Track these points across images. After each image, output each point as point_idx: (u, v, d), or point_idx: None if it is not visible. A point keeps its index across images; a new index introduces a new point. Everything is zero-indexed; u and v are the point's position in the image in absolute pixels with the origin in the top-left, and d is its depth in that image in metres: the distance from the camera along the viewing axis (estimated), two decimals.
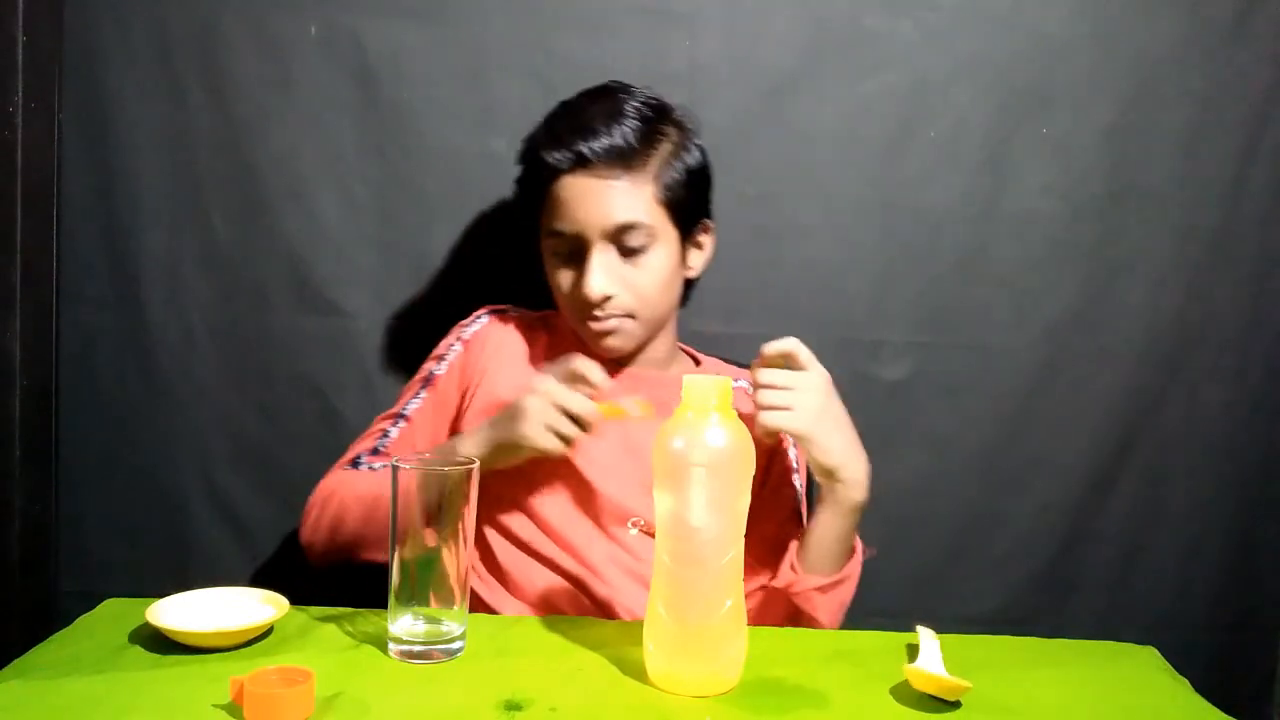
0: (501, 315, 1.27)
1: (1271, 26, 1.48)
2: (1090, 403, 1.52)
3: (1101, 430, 1.53)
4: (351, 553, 1.15)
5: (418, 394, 1.24)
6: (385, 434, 1.22)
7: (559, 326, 1.27)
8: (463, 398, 1.22)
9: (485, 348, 1.23)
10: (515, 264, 1.30)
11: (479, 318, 1.27)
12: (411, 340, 1.30)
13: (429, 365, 1.25)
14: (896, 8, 1.46)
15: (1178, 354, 1.52)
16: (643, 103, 1.18)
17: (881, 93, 1.47)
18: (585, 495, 1.15)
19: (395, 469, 0.88)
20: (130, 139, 1.42)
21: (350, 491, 1.15)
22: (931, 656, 0.88)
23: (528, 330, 1.26)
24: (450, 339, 1.26)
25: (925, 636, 0.93)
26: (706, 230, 1.25)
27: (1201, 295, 1.52)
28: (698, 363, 1.32)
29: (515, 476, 1.13)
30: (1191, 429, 1.54)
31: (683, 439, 0.84)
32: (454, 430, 1.22)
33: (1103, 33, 1.47)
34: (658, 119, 1.18)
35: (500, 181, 1.30)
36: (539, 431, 1.03)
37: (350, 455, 1.22)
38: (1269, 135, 1.50)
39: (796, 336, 1.44)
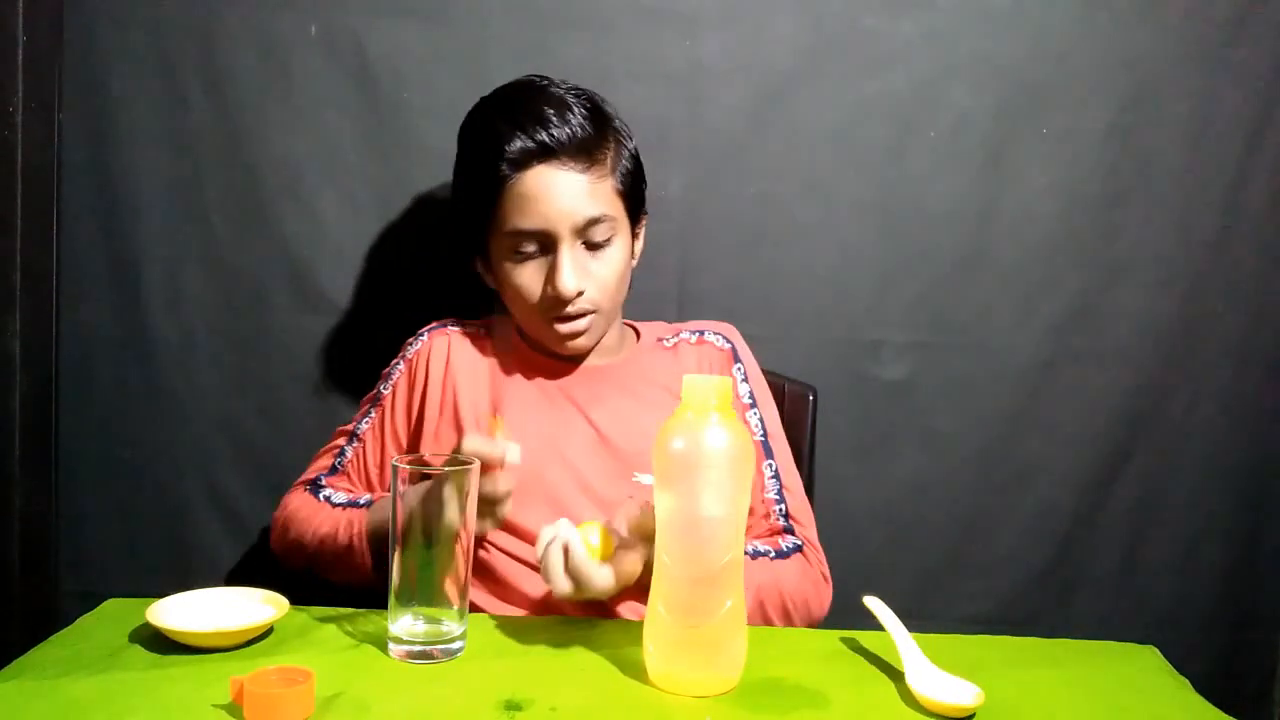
0: (441, 330, 1.26)
1: (1271, 26, 1.48)
2: (1090, 402, 1.52)
3: (1101, 430, 1.53)
4: (312, 572, 1.17)
5: (368, 414, 1.25)
6: (341, 452, 1.24)
7: (501, 331, 1.27)
8: (413, 415, 1.23)
9: (429, 364, 1.23)
10: None
11: (420, 335, 1.26)
12: None
13: (378, 385, 1.26)
14: (896, 8, 1.46)
15: (1178, 354, 1.53)
16: (579, 94, 1.16)
17: (881, 93, 1.47)
18: (570, 500, 1.14)
19: (395, 469, 0.88)
20: (130, 139, 1.42)
21: (308, 525, 1.16)
22: (917, 661, 0.88)
23: (471, 339, 1.25)
24: (397, 358, 1.27)
25: (888, 622, 0.93)
26: (644, 221, 1.25)
27: (1201, 295, 1.52)
28: (638, 334, 1.30)
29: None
30: (1191, 429, 1.54)
31: (682, 439, 0.84)
32: (412, 443, 1.22)
33: (1103, 33, 1.47)
34: (598, 108, 1.16)
35: None
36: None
37: (311, 473, 1.24)
38: (1269, 135, 1.50)
39: (796, 336, 1.45)
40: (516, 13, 1.43)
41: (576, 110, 1.13)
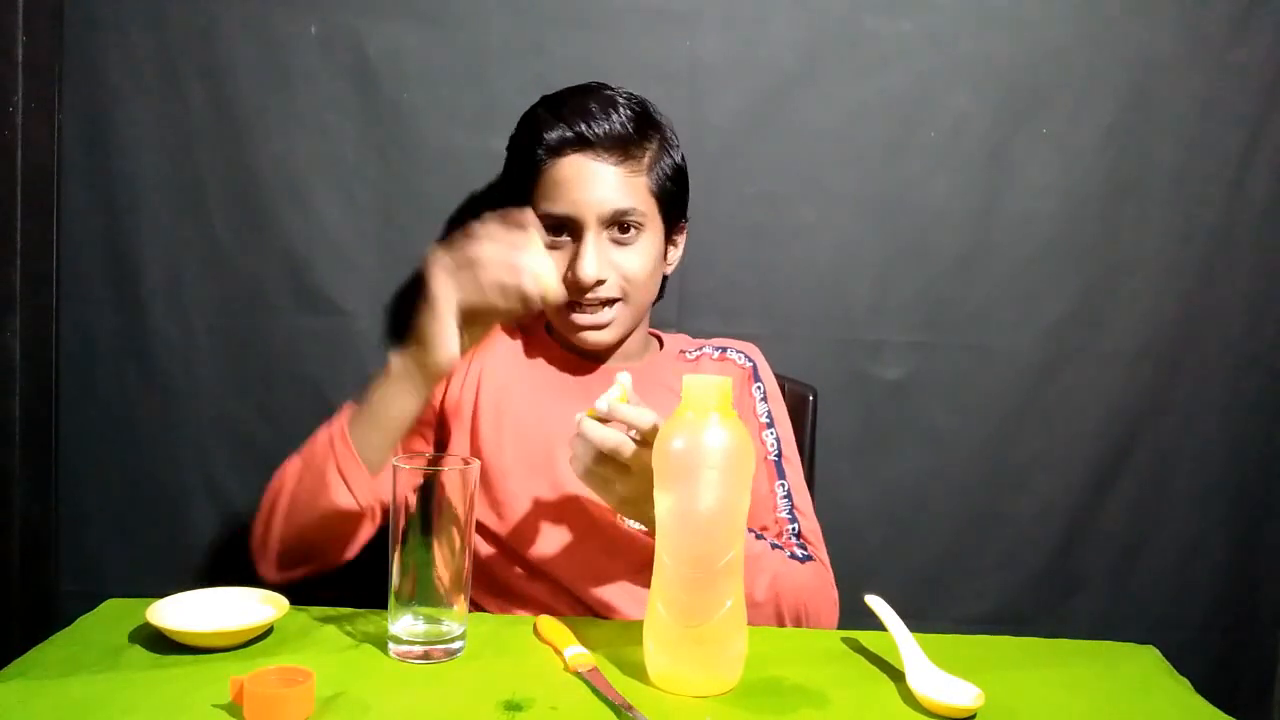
0: None
1: (1271, 26, 1.48)
2: (1091, 402, 1.52)
3: (1102, 430, 1.53)
4: (303, 549, 1.09)
5: None
6: None
7: (531, 324, 1.27)
8: (438, 410, 1.20)
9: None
10: None
11: None
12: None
13: None
14: (896, 8, 1.46)
15: (1178, 354, 1.53)
16: (631, 98, 1.20)
17: (881, 93, 1.47)
18: (567, 502, 1.14)
19: (395, 469, 0.88)
20: (130, 139, 1.41)
21: (286, 469, 1.10)
22: (918, 661, 0.88)
23: (503, 332, 1.25)
24: None
25: (890, 621, 0.93)
26: (683, 230, 1.27)
27: (1201, 295, 1.52)
28: (661, 343, 1.31)
29: (491, 498, 1.13)
30: (1191, 429, 1.54)
31: (682, 439, 0.84)
32: (440, 443, 1.21)
33: (1103, 33, 1.47)
34: (647, 113, 1.20)
35: None
36: (495, 295, 1.01)
37: None
38: (1269, 135, 1.50)
39: (796, 336, 1.45)
40: (516, 13, 1.43)
41: (622, 110, 1.16)
